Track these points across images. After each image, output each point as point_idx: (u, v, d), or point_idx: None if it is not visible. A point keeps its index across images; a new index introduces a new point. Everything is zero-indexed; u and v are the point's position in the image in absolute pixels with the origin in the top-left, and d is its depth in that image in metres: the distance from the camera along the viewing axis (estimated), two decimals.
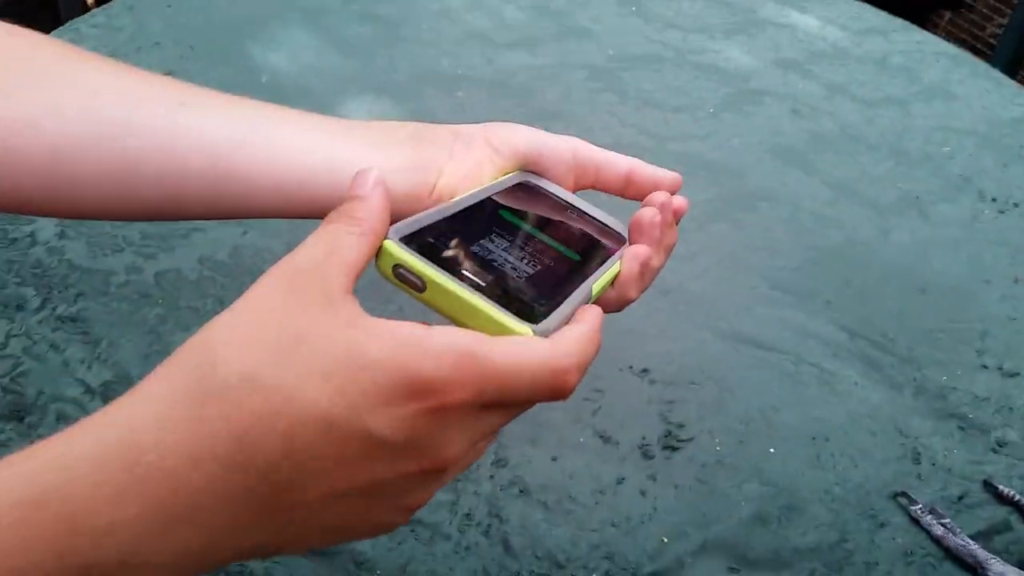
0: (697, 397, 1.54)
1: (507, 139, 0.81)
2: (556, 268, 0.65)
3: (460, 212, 0.65)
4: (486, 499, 1.34)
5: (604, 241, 0.78)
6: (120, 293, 1.57)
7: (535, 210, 0.75)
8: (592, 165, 0.86)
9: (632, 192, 0.87)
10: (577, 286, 0.62)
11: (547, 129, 0.81)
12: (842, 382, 1.59)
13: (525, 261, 0.61)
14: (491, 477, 1.39)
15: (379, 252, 0.53)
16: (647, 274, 0.74)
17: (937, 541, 1.40)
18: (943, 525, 1.42)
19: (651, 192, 0.82)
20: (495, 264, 0.58)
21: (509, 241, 0.64)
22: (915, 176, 2.20)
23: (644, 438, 1.48)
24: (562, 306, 0.57)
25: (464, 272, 0.54)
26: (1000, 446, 1.55)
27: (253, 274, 1.75)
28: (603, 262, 0.72)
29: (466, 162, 0.76)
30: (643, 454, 1.46)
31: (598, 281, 0.66)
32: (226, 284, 1.63)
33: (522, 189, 0.80)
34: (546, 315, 0.54)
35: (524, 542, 1.27)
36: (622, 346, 1.60)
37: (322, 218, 0.55)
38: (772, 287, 1.76)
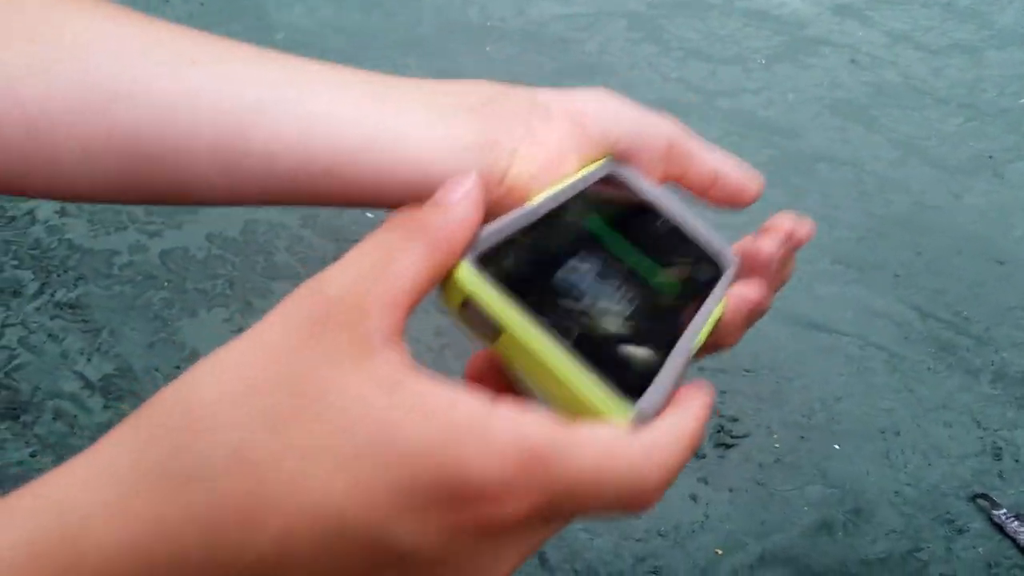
0: (752, 387, 1.40)
1: (598, 116, 0.64)
2: (654, 306, 0.51)
3: (545, 220, 0.51)
4: None
5: (706, 267, 0.63)
6: (123, 275, 1.46)
7: (628, 219, 0.60)
8: (684, 159, 0.69)
9: (713, 195, 0.71)
10: (678, 336, 0.48)
11: (585, 85, 0.65)
12: (913, 368, 1.44)
13: (619, 296, 0.47)
14: None
15: (448, 277, 0.40)
16: (755, 317, 0.60)
17: None
18: None
19: (729, 198, 0.67)
20: (586, 302, 0.45)
21: (601, 264, 0.51)
22: (989, 133, 2.02)
23: None
24: (664, 373, 0.43)
25: (551, 315, 0.41)
26: None
27: (266, 252, 1.63)
28: (704, 299, 0.57)
29: (547, 144, 0.59)
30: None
31: (702, 331, 0.52)
32: (236, 263, 1.50)
33: (610, 186, 0.64)
34: (645, 384, 0.41)
35: (562, 555, 1.15)
36: None
37: (359, 207, 0.44)
38: (834, 261, 1.60)
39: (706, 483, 1.30)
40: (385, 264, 0.37)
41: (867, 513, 1.28)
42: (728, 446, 1.34)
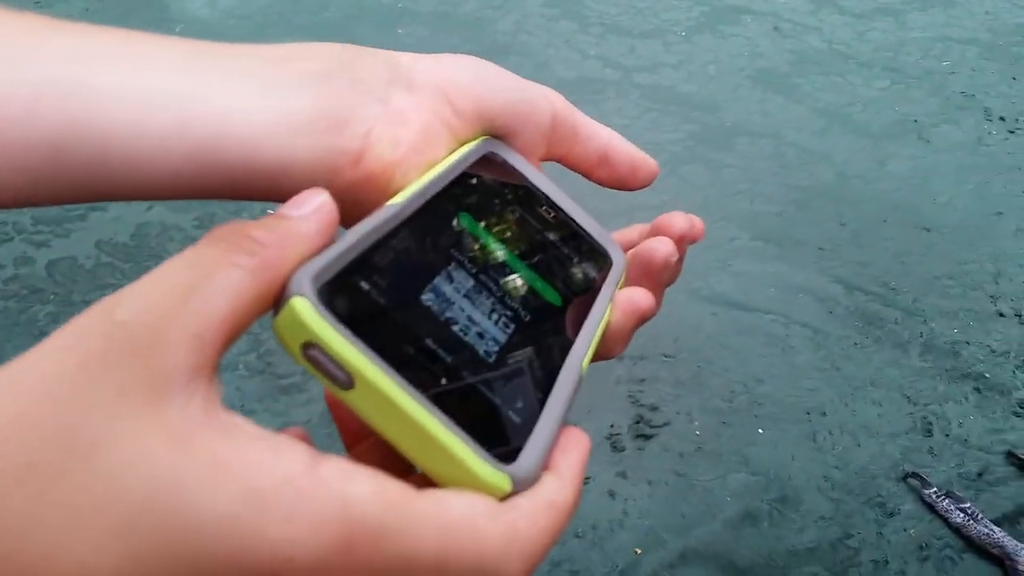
0: (672, 373, 1.33)
1: (472, 88, 0.53)
2: (536, 321, 0.44)
3: (409, 225, 0.42)
4: None
5: (590, 265, 0.54)
6: (7, 290, 1.35)
7: (505, 213, 0.51)
8: (569, 133, 0.60)
9: (603, 174, 0.62)
10: (563, 358, 0.42)
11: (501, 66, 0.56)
12: (839, 344, 1.38)
13: (495, 316, 0.42)
14: None
15: (281, 312, 0.32)
16: (642, 324, 0.52)
17: (956, 530, 1.21)
18: (962, 511, 1.22)
19: (620, 179, 0.59)
20: (455, 332, 0.39)
21: (474, 278, 0.43)
22: (913, 96, 1.97)
23: (613, 426, 1.27)
24: (546, 420, 0.37)
25: (414, 356, 0.34)
26: (1023, 408, 1.35)
27: (158, 257, 1.52)
28: (590, 307, 0.49)
29: (411, 121, 0.49)
30: (612, 446, 1.26)
31: (588, 351, 0.44)
32: (127, 271, 1.41)
33: (484, 169, 0.54)
34: (523, 441, 0.35)
35: None
36: None
37: (196, 199, 0.38)
38: (754, 237, 1.54)
39: (624, 477, 1.23)
40: (196, 285, 0.30)
41: (794, 500, 1.22)
42: (648, 437, 1.27)
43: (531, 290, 0.45)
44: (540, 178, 0.56)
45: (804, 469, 1.25)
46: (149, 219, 1.49)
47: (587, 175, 0.60)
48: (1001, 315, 1.48)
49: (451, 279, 0.41)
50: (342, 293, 0.34)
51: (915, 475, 1.26)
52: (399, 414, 0.31)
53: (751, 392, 1.33)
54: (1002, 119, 1.93)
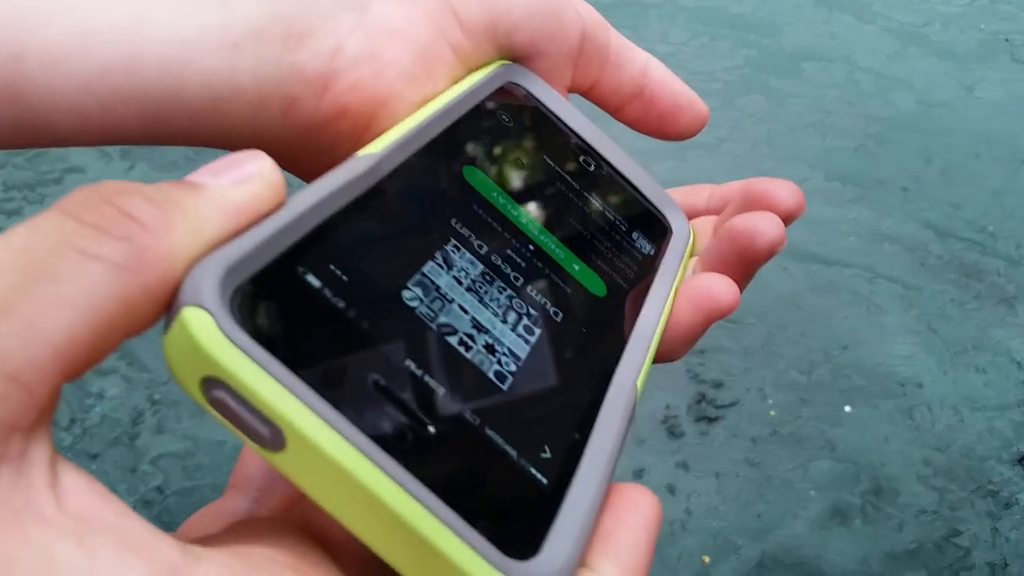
0: (738, 342, 1.14)
1: (485, 0, 0.39)
2: (570, 328, 0.31)
3: (387, 187, 0.29)
4: None
5: (643, 241, 0.39)
6: None
7: (531, 168, 0.37)
8: (600, 56, 0.47)
9: (635, 112, 0.46)
10: (608, 384, 0.29)
11: None
12: (934, 301, 1.19)
13: (514, 317, 0.29)
14: None
15: (169, 329, 0.21)
16: (712, 324, 0.38)
17: None
18: None
19: (659, 119, 0.44)
20: (455, 343, 0.26)
21: (483, 260, 0.30)
22: (1001, 11, 1.74)
23: (668, 407, 1.09)
24: (581, 485, 0.24)
25: (386, 392, 0.23)
26: None
27: None
28: (644, 299, 0.35)
29: (401, 37, 0.37)
30: (669, 431, 1.07)
31: (644, 365, 0.31)
32: None
33: (503, 107, 0.39)
34: (550, 516, 0.22)
35: None
36: None
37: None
38: (828, 177, 1.34)
39: (686, 469, 1.04)
40: (18, 291, 0.20)
41: (889, 492, 1.03)
42: (712, 419, 1.09)
43: (567, 276, 0.33)
44: (578, 118, 0.42)
45: (900, 453, 1.06)
46: (132, 179, 1.33)
47: (615, 113, 0.47)
48: None
49: (449, 265, 0.29)
50: (271, 299, 0.22)
51: None
52: (354, 489, 0.21)
53: (833, 362, 1.14)
54: None
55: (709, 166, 1.35)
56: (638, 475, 1.04)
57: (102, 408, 1.07)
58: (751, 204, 0.41)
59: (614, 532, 0.27)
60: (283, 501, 0.28)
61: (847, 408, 1.10)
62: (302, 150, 0.32)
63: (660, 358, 0.39)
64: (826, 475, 1.04)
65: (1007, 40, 1.60)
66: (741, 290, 0.42)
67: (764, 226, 0.39)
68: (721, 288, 0.38)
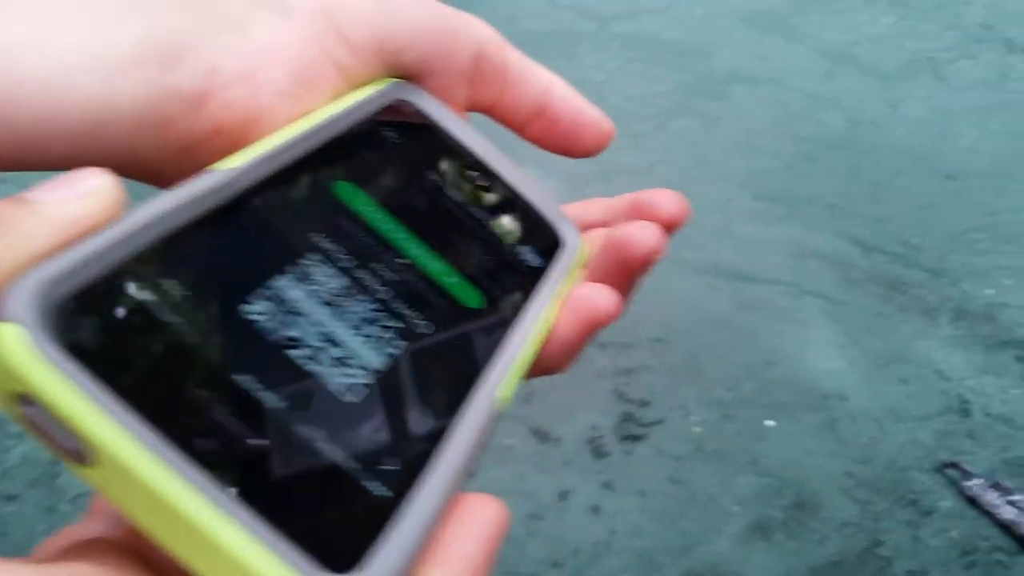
0: (664, 360, 1.15)
1: (369, 15, 0.40)
2: (437, 339, 0.31)
3: (242, 200, 0.29)
4: None
5: (529, 254, 0.39)
6: None
7: (412, 182, 0.37)
8: (498, 75, 0.46)
9: (538, 130, 0.47)
10: (467, 395, 0.29)
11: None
12: (859, 315, 1.20)
13: (372, 330, 0.29)
14: None
15: None
16: (598, 333, 0.38)
17: (1006, 528, 1.03)
18: (1012, 504, 1.04)
19: (562, 138, 0.44)
20: (298, 356, 0.26)
21: (345, 273, 0.30)
22: (925, 31, 1.78)
23: (595, 428, 1.09)
24: (422, 498, 0.25)
25: (208, 407, 0.23)
26: None
27: None
28: (523, 309, 0.35)
29: (279, 55, 0.37)
30: (594, 452, 1.07)
31: (509, 375, 0.31)
32: None
33: (388, 123, 0.39)
34: (381, 530, 0.23)
35: None
36: None
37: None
38: (756, 196, 1.35)
39: (611, 489, 1.05)
40: None
41: (812, 505, 1.04)
42: (637, 438, 1.09)
43: (440, 290, 0.34)
44: (470, 134, 0.42)
45: (823, 466, 1.07)
46: None
47: (520, 131, 0.47)
48: None
49: (306, 278, 0.29)
50: (93, 313, 0.23)
51: (953, 464, 1.08)
52: (160, 505, 0.21)
53: (758, 378, 1.15)
54: None
55: (639, 188, 1.36)
56: (563, 496, 1.04)
57: (22, 449, 1.06)
58: (635, 214, 0.42)
59: (451, 542, 0.27)
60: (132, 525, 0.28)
61: (769, 423, 1.11)
62: (180, 170, 0.31)
63: (545, 370, 0.40)
64: (749, 490, 1.05)
65: (930, 58, 1.64)
66: (626, 300, 0.43)
67: (641, 235, 0.40)
68: (600, 298, 0.38)
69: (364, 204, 0.34)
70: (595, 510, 1.03)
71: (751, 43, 1.65)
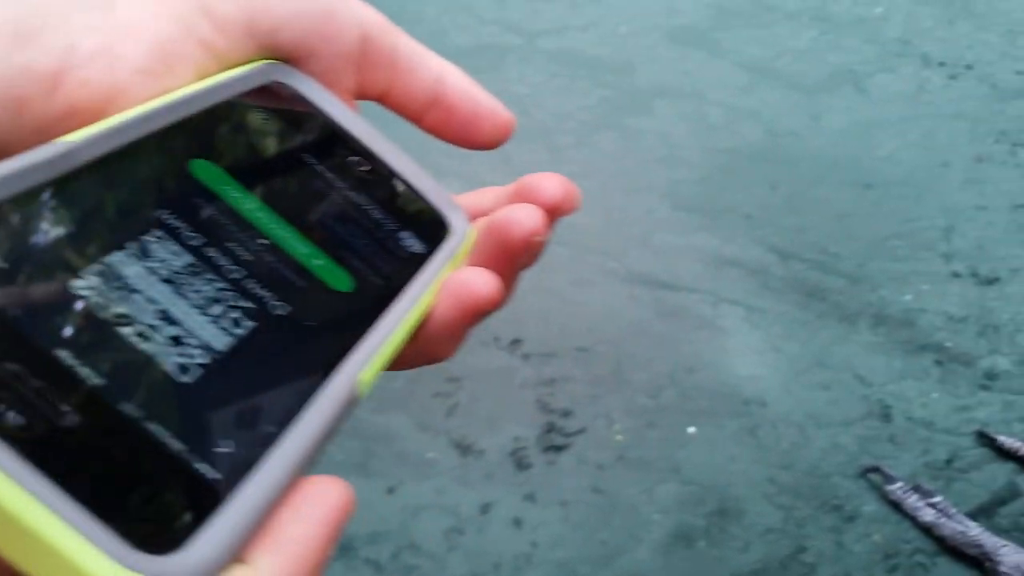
0: (587, 370, 1.14)
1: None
2: (294, 321, 0.30)
3: (81, 174, 0.28)
4: None
5: (410, 238, 0.39)
6: None
7: (281, 163, 0.36)
8: (387, 62, 0.43)
9: (435, 120, 0.45)
10: (324, 378, 0.28)
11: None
12: (776, 322, 1.20)
13: (219, 310, 0.28)
14: None
15: None
16: (481, 319, 0.38)
17: (927, 530, 1.03)
18: (933, 506, 1.04)
19: (460, 129, 0.43)
20: (129, 333, 0.25)
21: (193, 251, 0.29)
22: (845, 46, 1.81)
23: (517, 439, 1.07)
24: (259, 479, 0.24)
25: (22, 380, 0.22)
26: (990, 379, 1.18)
27: None
28: (398, 293, 0.34)
29: (140, 33, 0.35)
30: (517, 464, 1.06)
31: (374, 359, 0.31)
32: None
33: (259, 104, 0.38)
34: (211, 511, 0.22)
35: None
36: None
37: None
38: (675, 207, 1.36)
39: (533, 500, 1.03)
40: None
41: (735, 512, 1.03)
42: (559, 448, 1.07)
43: (303, 271, 0.33)
44: (353, 120, 0.41)
45: (745, 472, 1.06)
46: None
47: (418, 122, 0.46)
48: (956, 275, 1.31)
49: (146, 255, 0.28)
50: None
51: (875, 469, 1.08)
52: None
53: (680, 385, 1.14)
54: (942, 64, 1.77)
55: None
56: (485, 510, 1.02)
57: None
58: (519, 199, 0.41)
59: (285, 525, 0.25)
60: None
61: (692, 429, 1.10)
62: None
63: (427, 356, 0.39)
64: (671, 498, 1.04)
65: (851, 71, 1.67)
66: (509, 285, 0.41)
67: (520, 216, 0.38)
68: (478, 280, 0.37)
69: (224, 183, 0.33)
70: (517, 523, 1.01)
71: (674, 59, 1.66)
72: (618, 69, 1.67)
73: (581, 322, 1.19)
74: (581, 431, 1.07)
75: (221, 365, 0.27)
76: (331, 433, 0.28)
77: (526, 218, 0.38)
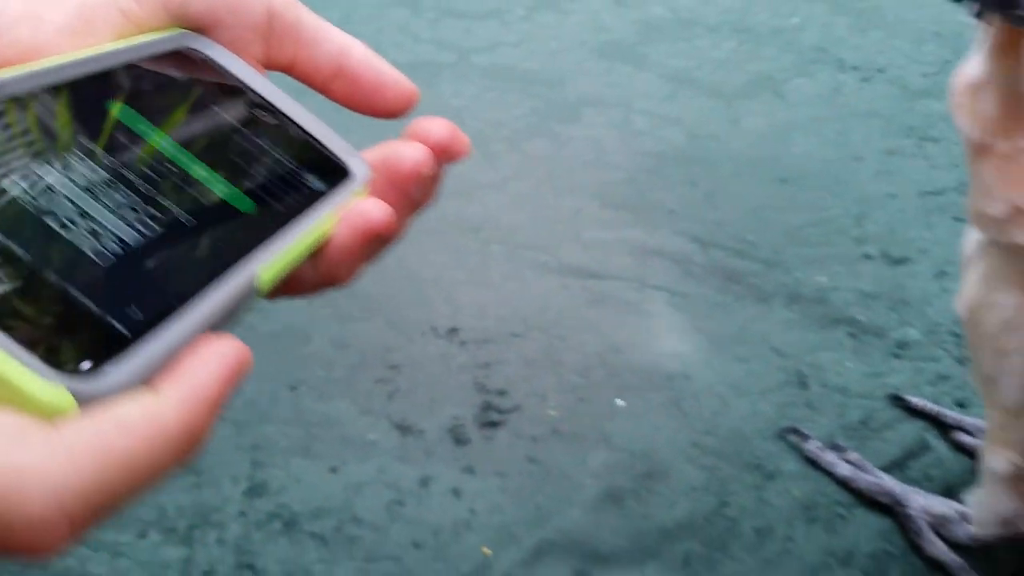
0: (521, 353, 1.20)
1: None
2: (200, 230, 0.36)
3: (12, 103, 0.34)
4: (234, 546, 0.98)
5: (309, 176, 0.45)
6: None
7: (192, 111, 0.42)
8: (292, 33, 0.49)
9: (340, 90, 0.51)
10: (225, 270, 0.35)
11: None
12: (698, 304, 1.28)
13: (132, 214, 0.34)
14: (241, 513, 1.02)
15: None
16: (377, 247, 0.44)
17: (843, 483, 1.10)
18: (848, 461, 1.11)
19: (364, 98, 0.49)
20: (51, 222, 0.32)
21: (108, 170, 0.35)
22: (764, 54, 1.91)
23: (455, 418, 1.13)
24: (166, 331, 0.31)
25: None
26: (901, 348, 1.26)
27: None
28: (298, 215, 0.41)
29: (63, 2, 0.40)
30: (455, 439, 1.11)
31: (274, 260, 0.37)
32: None
33: (172, 64, 0.43)
34: (123, 350, 0.29)
35: None
36: (421, 302, 1.25)
37: None
38: (604, 206, 1.43)
39: (471, 472, 1.08)
40: None
41: (661, 474, 1.09)
42: (496, 424, 1.13)
43: (207, 192, 0.39)
44: (259, 80, 0.47)
45: (671, 439, 1.13)
46: None
47: (325, 92, 0.51)
48: (868, 257, 1.40)
49: (66, 168, 0.34)
50: None
51: (794, 430, 1.15)
52: None
53: (609, 364, 1.21)
54: (855, 68, 1.88)
55: (495, 201, 1.43)
56: (425, 483, 1.07)
57: None
58: (410, 139, 0.48)
59: (185, 365, 0.32)
60: None
61: (620, 402, 1.17)
62: None
63: (328, 279, 0.45)
64: (602, 465, 1.10)
65: (769, 78, 1.76)
66: (401, 216, 0.48)
67: (407, 151, 0.45)
68: (372, 208, 0.43)
69: (139, 123, 0.39)
70: (456, 493, 1.06)
71: (601, 71, 1.75)
72: (549, 82, 1.75)
73: (515, 311, 1.26)
74: (516, 408, 1.13)
75: (133, 254, 0.33)
76: (231, 313, 0.35)
77: (412, 152, 0.44)
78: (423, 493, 1.05)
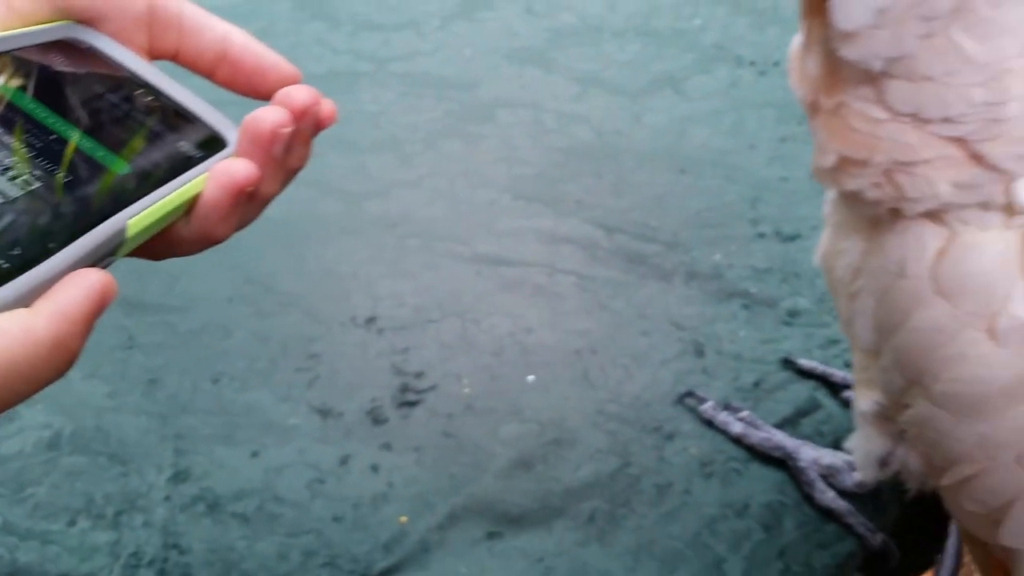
0: (437, 337, 1.27)
1: None
2: (74, 187, 0.41)
3: None
4: (160, 529, 1.03)
5: (185, 144, 0.51)
6: None
7: (72, 89, 0.46)
8: (174, 23, 0.56)
9: (225, 75, 0.58)
10: (98, 221, 0.40)
11: None
12: (604, 285, 1.35)
13: (9, 174, 0.40)
14: (166, 498, 1.07)
15: None
16: (247, 204, 0.48)
17: (737, 440, 1.18)
18: (741, 420, 1.19)
19: (248, 81, 0.56)
20: None
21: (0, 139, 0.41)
22: (666, 55, 2.00)
23: (374, 400, 1.19)
24: (40, 266, 0.37)
25: None
26: (792, 317, 1.35)
27: None
28: (171, 178, 0.47)
29: None
30: (373, 419, 1.18)
31: (144, 212, 0.43)
32: None
33: (56, 51, 0.49)
34: (3, 280, 0.36)
35: (214, 573, 0.97)
36: (340, 295, 1.31)
37: None
38: (515, 197, 1.51)
39: (389, 449, 1.15)
40: None
41: (568, 441, 1.17)
42: (412, 404, 1.20)
43: (84, 156, 0.43)
44: (138, 62, 0.53)
45: (577, 409, 1.20)
46: None
47: (211, 77, 0.58)
48: (762, 236, 1.49)
49: None
50: None
51: (690, 394, 1.23)
52: None
53: (520, 344, 1.28)
54: (752, 63, 1.98)
55: (411, 198, 1.49)
56: (344, 461, 1.13)
57: None
58: (274, 104, 0.54)
59: (57, 289, 0.38)
60: None
61: (530, 378, 1.24)
62: None
63: (204, 235, 0.51)
64: (513, 435, 1.17)
65: (671, 77, 1.85)
66: (273, 179, 0.53)
67: (267, 113, 0.51)
68: (236, 165, 0.49)
69: (22, 100, 0.46)
70: (374, 468, 1.13)
71: (513, 75, 1.82)
72: (462, 86, 1.83)
73: (431, 299, 1.32)
74: (432, 388, 1.20)
75: (12, 204, 0.39)
76: (102, 254, 0.41)
77: (272, 115, 0.51)
78: (342, 471, 1.11)
